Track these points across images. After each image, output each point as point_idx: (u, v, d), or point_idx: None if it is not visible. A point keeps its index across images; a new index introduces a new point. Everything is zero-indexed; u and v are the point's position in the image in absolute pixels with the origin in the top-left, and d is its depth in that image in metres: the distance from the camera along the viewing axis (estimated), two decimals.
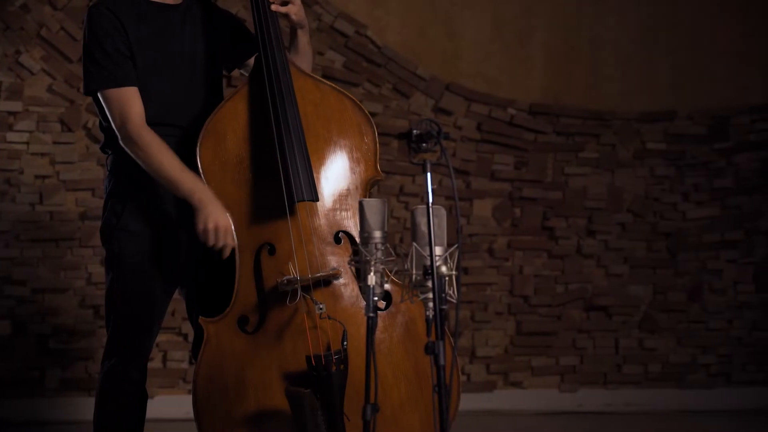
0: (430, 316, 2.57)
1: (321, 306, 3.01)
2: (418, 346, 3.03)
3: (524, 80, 5.53)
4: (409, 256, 2.61)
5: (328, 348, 3.00)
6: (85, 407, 4.46)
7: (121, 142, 3.08)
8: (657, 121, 5.59)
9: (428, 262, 2.57)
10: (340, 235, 3.12)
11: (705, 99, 5.62)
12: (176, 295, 3.28)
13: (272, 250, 3.08)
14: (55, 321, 5.01)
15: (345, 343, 2.98)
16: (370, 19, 5.38)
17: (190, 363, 5.06)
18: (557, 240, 5.50)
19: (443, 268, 2.58)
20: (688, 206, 5.59)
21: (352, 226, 3.10)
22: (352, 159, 3.17)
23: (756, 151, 5.61)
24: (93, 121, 5.02)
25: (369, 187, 3.17)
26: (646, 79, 5.60)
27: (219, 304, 3.10)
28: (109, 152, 3.19)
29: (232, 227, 3.04)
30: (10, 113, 5.03)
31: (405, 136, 2.67)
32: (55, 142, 5.06)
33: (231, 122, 3.13)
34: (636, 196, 5.56)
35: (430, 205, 2.58)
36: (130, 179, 3.12)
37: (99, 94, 3.11)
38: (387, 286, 2.97)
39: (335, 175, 3.15)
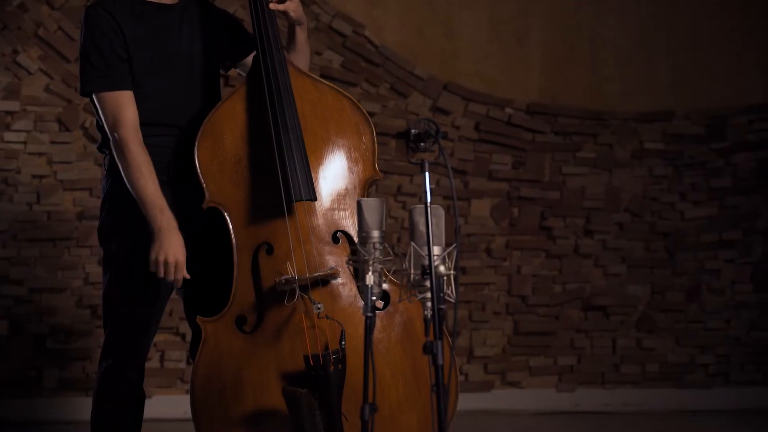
0: (429, 315, 2.57)
1: (319, 305, 3.00)
2: (416, 345, 3.03)
3: (522, 80, 5.53)
4: (408, 256, 2.61)
5: (326, 348, 3.00)
6: (83, 407, 4.45)
7: (110, 144, 3.09)
8: (655, 121, 5.59)
9: (426, 262, 2.56)
10: (338, 234, 3.11)
11: (703, 99, 5.61)
12: (174, 294, 3.28)
13: (270, 250, 3.08)
14: (52, 321, 5.01)
15: (343, 342, 2.98)
16: (368, 19, 5.37)
17: (188, 363, 5.05)
18: (555, 240, 5.50)
19: (441, 268, 2.58)
20: (686, 206, 5.58)
21: (350, 226, 3.10)
22: (350, 159, 3.16)
23: (754, 151, 5.61)
24: (90, 121, 5.01)
25: (367, 186, 3.17)
26: (645, 79, 5.60)
27: (217, 304, 3.10)
28: (107, 152, 3.19)
29: (184, 262, 3.02)
30: (7, 113, 5.03)
31: (403, 135, 2.67)
32: (52, 142, 5.06)
33: (229, 122, 3.13)
34: (634, 196, 5.56)
35: (429, 204, 2.58)
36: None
37: (94, 96, 3.11)
38: (385, 286, 2.97)
39: (333, 174, 3.15)
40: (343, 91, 3.22)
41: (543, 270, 5.48)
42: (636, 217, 5.56)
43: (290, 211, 3.07)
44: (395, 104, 5.39)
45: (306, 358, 2.98)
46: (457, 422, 3.13)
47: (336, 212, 3.13)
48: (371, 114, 3.25)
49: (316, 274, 3.04)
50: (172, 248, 3.01)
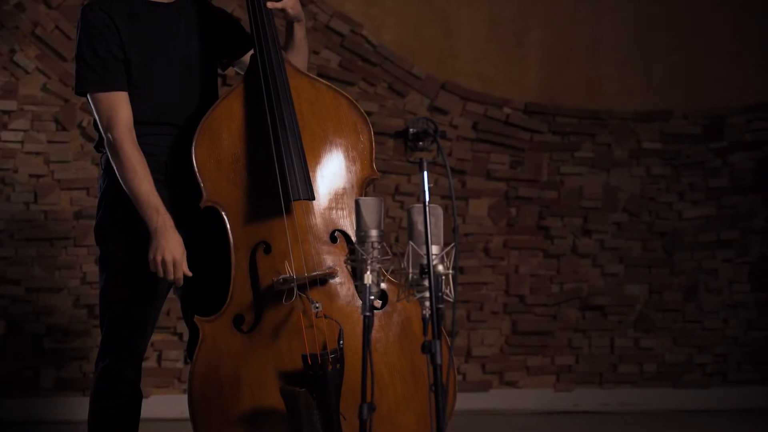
0: (427, 315, 2.57)
1: (317, 305, 3.00)
2: (414, 345, 3.03)
3: (520, 79, 5.53)
4: (406, 255, 2.60)
5: (324, 347, 3.00)
6: (80, 407, 4.44)
7: (105, 144, 3.08)
8: (653, 121, 5.59)
9: (425, 261, 2.56)
10: (336, 234, 3.11)
11: (701, 99, 5.61)
12: (171, 294, 3.27)
13: (268, 249, 3.07)
14: (49, 320, 5.00)
15: (341, 342, 2.97)
16: (366, 18, 5.37)
17: (185, 362, 5.05)
18: (553, 239, 5.50)
19: (440, 267, 2.58)
20: (684, 206, 5.59)
21: (348, 225, 3.10)
22: (347, 158, 3.16)
23: (751, 150, 5.61)
24: (87, 120, 5.00)
25: (365, 186, 3.16)
26: (643, 78, 5.60)
27: (214, 303, 3.09)
28: (104, 151, 3.18)
29: (183, 260, 3.02)
30: (4, 112, 5.02)
31: (402, 134, 2.66)
32: (49, 141, 5.05)
33: (226, 121, 3.12)
34: (632, 196, 5.56)
35: (427, 203, 2.57)
36: None
37: (88, 96, 3.10)
38: (383, 285, 2.96)
39: (331, 173, 3.14)
40: (341, 90, 3.22)
41: (541, 270, 5.48)
42: (634, 216, 5.56)
43: (288, 210, 3.06)
44: (393, 104, 5.39)
45: (304, 357, 2.97)
46: (455, 422, 3.12)
47: (334, 211, 3.12)
48: (369, 113, 3.25)
49: (314, 273, 3.03)
50: (169, 247, 3.01)
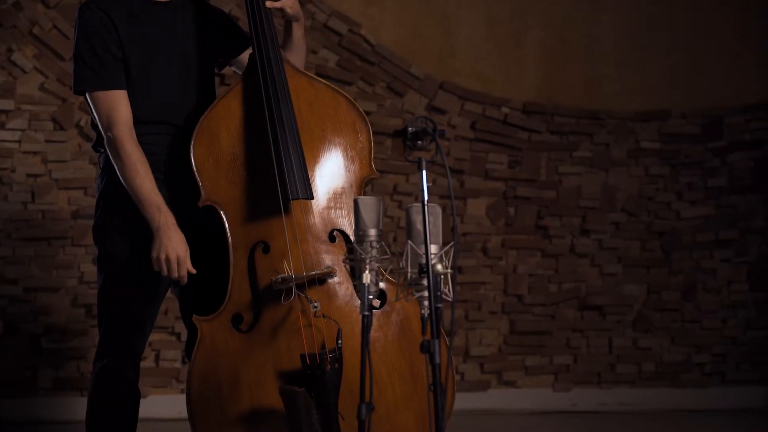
0: (426, 314, 2.56)
1: (316, 304, 3.00)
2: (412, 344, 3.02)
3: (518, 79, 5.52)
4: (405, 255, 2.60)
5: (323, 346, 2.99)
6: (78, 407, 4.44)
7: (105, 143, 3.07)
8: (651, 121, 5.58)
9: (423, 261, 2.56)
10: (334, 233, 3.11)
11: (700, 98, 5.61)
12: (169, 294, 3.27)
13: (266, 249, 3.07)
14: (47, 320, 4.99)
15: (340, 341, 2.97)
16: (364, 18, 5.37)
17: (183, 362, 5.04)
18: (551, 239, 5.50)
19: (439, 267, 2.57)
20: (682, 205, 5.58)
21: (347, 225, 3.09)
22: (346, 157, 3.16)
23: (750, 150, 5.61)
24: (85, 120, 5.00)
25: (363, 185, 3.16)
26: (641, 78, 5.60)
27: (213, 303, 3.09)
28: (102, 151, 3.18)
29: (186, 257, 3.02)
30: (2, 111, 5.01)
31: (400, 133, 2.66)
32: (47, 141, 5.04)
33: (225, 120, 3.12)
34: (630, 196, 5.56)
35: (426, 203, 2.57)
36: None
37: (87, 95, 3.10)
38: (382, 285, 2.95)
39: (330, 173, 3.14)
40: (340, 90, 3.22)
41: (539, 269, 5.47)
42: (632, 216, 5.55)
43: (287, 209, 3.06)
44: (391, 103, 5.38)
45: (303, 357, 2.97)
46: (454, 422, 3.12)
47: (332, 211, 3.12)
48: (367, 113, 3.25)
49: (313, 272, 3.03)
50: (172, 245, 3.00)
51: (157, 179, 3.07)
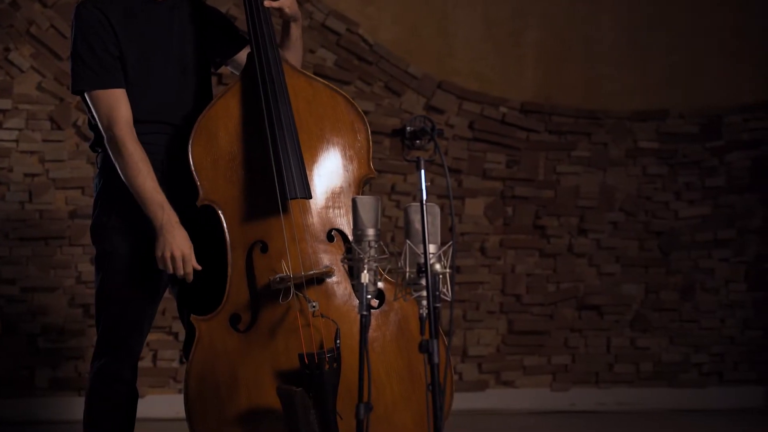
0: (424, 314, 2.56)
1: (314, 304, 2.99)
2: (411, 344, 3.02)
3: (517, 79, 5.52)
4: (403, 254, 2.59)
5: (321, 346, 2.99)
6: (75, 407, 4.43)
7: (105, 142, 3.07)
8: (649, 120, 5.58)
9: (422, 260, 2.55)
10: (332, 233, 3.10)
11: (698, 98, 5.61)
12: (167, 294, 3.26)
13: (265, 248, 3.06)
14: (44, 320, 4.99)
15: (338, 341, 2.96)
16: (362, 17, 5.36)
17: (181, 362, 5.04)
18: (549, 239, 5.49)
19: (437, 266, 2.57)
20: (681, 205, 5.58)
21: (345, 224, 3.09)
22: (345, 156, 3.15)
23: (748, 150, 5.61)
24: (83, 119, 4.99)
25: (362, 185, 3.16)
26: (639, 77, 5.60)
27: (211, 303, 3.08)
28: (99, 151, 3.18)
29: (191, 254, 3.02)
30: None
31: (399, 133, 2.66)
32: (44, 140, 5.04)
33: (223, 119, 3.11)
34: (628, 195, 5.55)
35: (424, 202, 2.57)
36: (120, 178, 3.10)
37: (86, 95, 3.10)
38: (380, 285, 2.95)
39: (328, 172, 3.14)
40: (338, 89, 3.22)
41: (537, 269, 5.47)
42: (630, 216, 5.55)
43: (285, 209, 3.05)
44: (389, 103, 5.38)
45: (301, 356, 2.97)
46: (452, 422, 3.12)
47: (331, 210, 3.11)
48: (365, 112, 3.25)
49: (311, 272, 3.02)
50: (176, 243, 3.00)
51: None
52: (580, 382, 5.47)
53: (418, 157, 2.60)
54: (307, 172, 3.09)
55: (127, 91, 3.10)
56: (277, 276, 3.01)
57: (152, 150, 3.10)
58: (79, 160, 5.05)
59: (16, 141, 5.01)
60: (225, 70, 3.49)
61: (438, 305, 2.55)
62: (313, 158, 3.13)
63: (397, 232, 5.27)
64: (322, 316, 3.00)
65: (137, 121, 3.09)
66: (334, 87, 3.21)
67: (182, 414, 3.10)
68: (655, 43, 5.61)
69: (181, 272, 3.02)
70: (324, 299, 3.03)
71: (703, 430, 5.10)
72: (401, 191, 5.34)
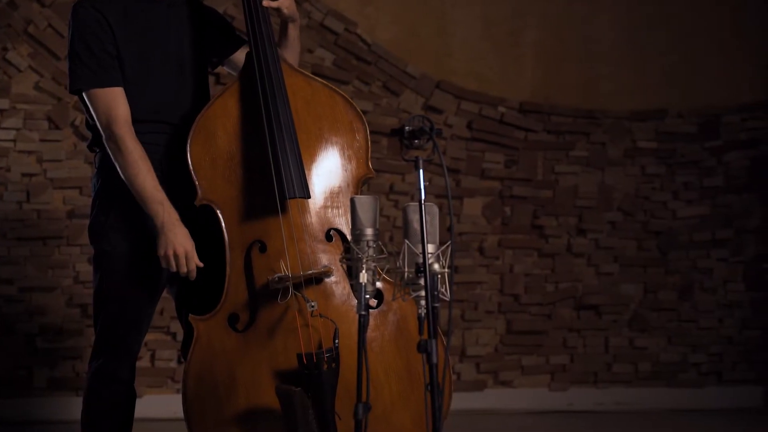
0: (423, 314, 2.56)
1: (313, 303, 2.99)
2: (409, 344, 3.02)
3: (515, 78, 5.52)
4: (401, 254, 2.59)
5: (320, 346, 2.98)
6: (73, 407, 4.43)
7: (104, 141, 3.07)
8: (648, 120, 5.58)
9: (420, 260, 2.55)
10: (331, 232, 3.10)
11: (696, 97, 5.61)
12: (165, 293, 3.26)
13: (263, 248, 3.06)
14: (42, 320, 4.98)
15: (336, 341, 2.96)
16: (361, 17, 5.36)
17: (179, 362, 5.03)
18: (547, 238, 5.49)
19: (436, 266, 2.57)
20: (679, 205, 5.58)
21: (344, 224, 3.09)
22: (343, 156, 3.15)
23: (746, 149, 5.61)
24: (80, 119, 4.98)
25: (360, 184, 3.16)
26: (638, 77, 5.60)
27: (209, 302, 3.08)
28: (97, 150, 3.18)
29: (193, 251, 3.01)
30: None
31: (397, 132, 2.66)
32: (42, 140, 5.03)
33: (221, 119, 3.11)
34: (626, 195, 5.55)
35: (423, 202, 2.56)
36: (118, 177, 3.10)
37: (84, 94, 3.09)
38: (378, 284, 2.95)
39: (327, 172, 3.13)
40: (337, 89, 3.21)
41: (535, 269, 5.47)
42: (628, 215, 5.55)
43: (284, 208, 3.05)
44: (387, 102, 5.37)
45: (299, 356, 2.96)
46: (450, 422, 3.11)
47: (329, 210, 3.11)
48: (363, 112, 3.24)
49: (310, 272, 3.02)
50: (179, 240, 2.99)
51: None
52: (578, 382, 5.47)
53: (416, 157, 2.60)
54: (306, 172, 3.09)
55: (125, 90, 3.09)
56: (276, 276, 3.01)
57: (151, 150, 3.10)
58: (76, 159, 5.04)
59: (14, 141, 5.01)
60: (222, 69, 3.49)
61: (436, 305, 2.55)
62: (312, 158, 3.13)
63: (395, 231, 5.27)
64: (321, 315, 3.00)
65: (136, 121, 3.09)
66: (333, 87, 3.21)
67: (180, 414, 3.09)
68: (653, 43, 5.61)
69: (184, 270, 3.01)
70: (323, 299, 3.03)
71: (701, 430, 5.10)
72: (399, 191, 5.34)
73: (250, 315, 3.04)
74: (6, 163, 4.99)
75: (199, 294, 3.15)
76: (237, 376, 3.02)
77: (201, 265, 3.03)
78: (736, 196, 5.59)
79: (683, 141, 5.58)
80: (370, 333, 3.02)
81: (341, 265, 3.05)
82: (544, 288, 5.47)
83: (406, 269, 2.58)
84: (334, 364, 2.95)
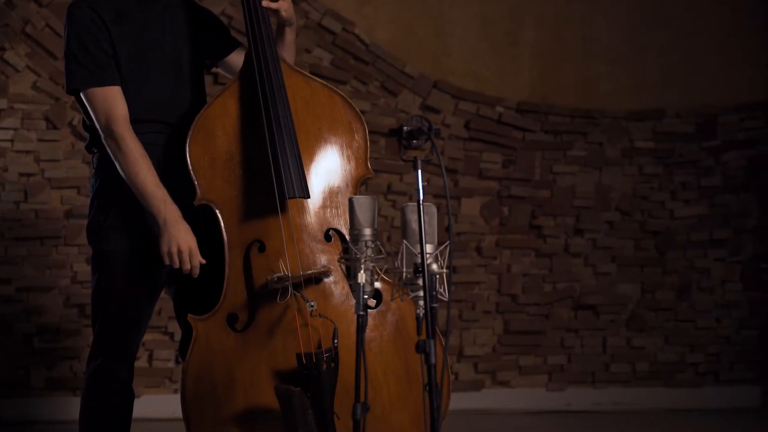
0: (421, 314, 2.56)
1: (312, 303, 2.98)
2: (408, 344, 3.02)
3: (513, 78, 5.52)
4: (400, 254, 2.59)
5: (319, 346, 2.98)
6: (71, 406, 4.43)
7: (103, 140, 3.06)
8: (645, 120, 5.58)
9: (419, 260, 2.55)
10: (330, 232, 3.10)
11: (694, 97, 5.61)
12: (163, 294, 3.26)
13: (262, 248, 3.06)
14: (40, 320, 4.98)
15: (336, 341, 2.96)
16: (358, 17, 5.36)
17: (177, 362, 5.03)
18: (545, 238, 5.49)
19: (434, 266, 2.57)
20: (676, 205, 5.58)
21: (343, 224, 3.08)
22: (342, 156, 3.15)
23: (744, 149, 5.61)
24: (78, 119, 4.98)
25: (359, 184, 3.16)
26: (635, 77, 5.60)
27: (208, 302, 3.07)
28: (95, 151, 3.17)
29: (196, 248, 3.01)
30: None
31: (396, 132, 2.65)
32: (39, 140, 5.03)
33: (221, 118, 3.11)
34: (624, 195, 5.55)
35: (421, 202, 2.56)
36: (117, 178, 3.10)
37: (82, 94, 3.08)
38: (377, 285, 2.95)
39: (326, 172, 3.13)
40: (336, 89, 3.21)
41: (533, 269, 5.47)
42: (626, 215, 5.55)
43: (283, 208, 3.05)
44: (385, 102, 5.37)
45: (298, 356, 2.96)
46: (448, 422, 3.11)
47: (328, 210, 3.11)
48: (361, 112, 3.24)
49: (309, 272, 3.02)
50: (181, 237, 2.99)
51: None
52: (575, 381, 5.47)
53: (415, 157, 2.60)
54: (305, 172, 3.08)
55: (122, 90, 3.09)
56: (275, 276, 3.01)
57: (150, 150, 3.09)
58: (74, 159, 5.04)
59: (12, 141, 5.01)
60: (218, 70, 3.49)
61: (435, 305, 2.55)
62: (311, 158, 3.12)
63: (393, 231, 5.27)
64: (320, 315, 2.99)
65: (134, 121, 3.08)
66: (332, 87, 3.21)
67: (178, 414, 3.09)
68: (651, 43, 5.61)
69: (187, 266, 3.00)
70: (321, 299, 3.03)
71: (699, 429, 5.10)
72: (397, 191, 5.34)
73: (249, 315, 3.04)
74: (3, 163, 4.99)
75: (197, 294, 3.15)
76: (236, 376, 3.02)
77: (204, 261, 3.03)
78: (734, 196, 5.60)
79: (681, 141, 5.59)
80: (369, 333, 3.02)
81: (340, 266, 3.05)
82: (542, 288, 5.47)
83: (405, 269, 2.58)
84: (333, 364, 2.95)
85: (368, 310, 2.74)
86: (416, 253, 2.56)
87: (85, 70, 3.05)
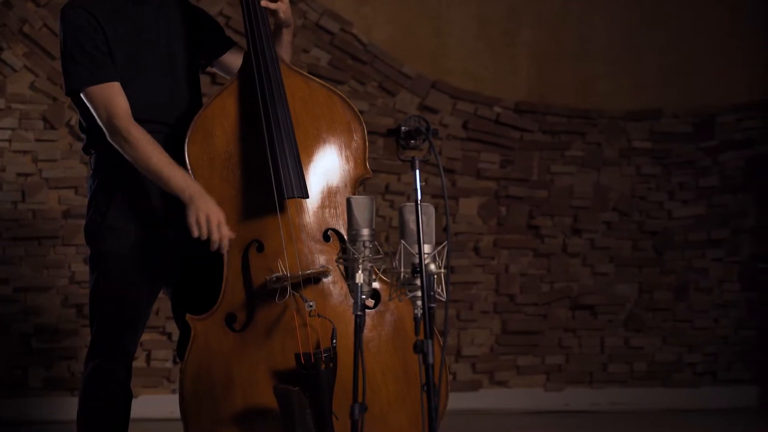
0: (419, 314, 2.56)
1: (311, 303, 2.98)
2: (406, 344, 3.01)
3: (510, 78, 5.52)
4: (398, 254, 2.59)
5: (318, 346, 2.98)
6: (69, 407, 4.42)
7: (108, 138, 3.05)
8: (643, 120, 5.59)
9: (417, 260, 2.55)
10: (329, 232, 3.10)
11: (692, 97, 5.62)
12: (161, 294, 3.25)
13: (261, 247, 3.06)
14: (37, 320, 4.97)
15: (334, 341, 2.96)
16: (356, 17, 5.36)
17: (174, 362, 5.03)
18: (543, 239, 5.49)
19: (432, 266, 2.57)
20: (674, 205, 5.59)
21: (341, 225, 3.09)
22: (341, 156, 3.15)
23: (742, 149, 5.62)
24: (76, 119, 4.96)
25: (358, 184, 3.16)
26: (633, 77, 5.60)
27: (206, 302, 3.07)
28: (93, 152, 3.17)
29: (225, 221, 3.00)
30: None
31: (394, 132, 2.66)
32: (37, 140, 5.02)
33: (220, 118, 3.11)
34: (622, 195, 5.56)
35: (419, 202, 2.56)
36: (114, 178, 3.10)
37: (82, 94, 3.08)
38: (375, 285, 2.95)
39: (324, 172, 3.13)
40: (335, 89, 3.21)
41: (531, 269, 5.47)
42: (624, 216, 5.55)
43: (282, 208, 3.05)
44: (383, 102, 5.37)
45: (297, 356, 2.96)
46: (446, 422, 3.11)
47: (327, 210, 3.11)
48: (359, 112, 3.24)
49: (308, 272, 3.02)
50: (210, 207, 2.97)
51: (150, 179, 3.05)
52: (573, 382, 5.47)
53: (413, 157, 2.60)
54: (304, 172, 3.08)
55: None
56: (274, 275, 3.01)
57: None
58: (72, 159, 5.03)
59: (9, 140, 5.00)
60: (213, 70, 3.49)
61: (433, 305, 2.55)
62: (310, 158, 3.12)
63: (391, 231, 5.27)
64: (319, 315, 2.99)
65: None
66: (331, 87, 3.21)
67: (176, 414, 3.09)
68: (649, 43, 5.61)
69: (216, 236, 2.97)
70: (320, 299, 3.03)
71: (696, 429, 5.10)
72: (395, 191, 5.34)
73: (248, 315, 3.04)
74: (1, 163, 4.99)
75: (196, 294, 3.15)
76: (234, 376, 3.02)
77: (233, 236, 3.01)
78: (732, 197, 5.60)
79: (679, 141, 5.59)
80: (367, 333, 3.02)
81: (338, 266, 3.05)
82: (540, 288, 5.47)
83: (403, 269, 2.58)
84: (331, 364, 2.95)
85: (366, 310, 2.75)
86: (414, 253, 2.56)
87: (82, 69, 3.05)
